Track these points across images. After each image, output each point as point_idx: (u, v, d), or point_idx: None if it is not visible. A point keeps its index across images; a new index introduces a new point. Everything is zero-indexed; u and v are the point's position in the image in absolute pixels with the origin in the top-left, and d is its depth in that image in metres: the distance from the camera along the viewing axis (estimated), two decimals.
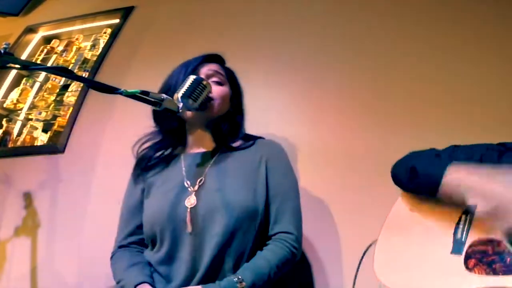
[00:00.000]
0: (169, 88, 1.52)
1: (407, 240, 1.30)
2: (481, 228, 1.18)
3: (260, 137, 1.67)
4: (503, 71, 1.82)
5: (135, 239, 1.56)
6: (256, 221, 1.45)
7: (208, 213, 1.42)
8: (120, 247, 1.56)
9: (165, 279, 1.44)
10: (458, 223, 1.23)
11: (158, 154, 1.63)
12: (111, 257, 1.56)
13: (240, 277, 1.34)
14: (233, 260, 1.41)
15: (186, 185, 1.49)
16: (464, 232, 1.21)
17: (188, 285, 1.38)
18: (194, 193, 1.46)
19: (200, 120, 1.57)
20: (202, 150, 1.60)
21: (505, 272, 1.09)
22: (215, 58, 1.66)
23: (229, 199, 1.43)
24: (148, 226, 1.50)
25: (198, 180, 1.49)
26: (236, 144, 1.59)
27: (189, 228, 1.41)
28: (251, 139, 1.63)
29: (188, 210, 1.43)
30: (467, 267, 1.15)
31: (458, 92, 1.86)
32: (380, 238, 1.36)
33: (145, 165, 1.60)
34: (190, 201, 1.44)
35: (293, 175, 1.59)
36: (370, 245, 1.37)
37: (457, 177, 1.22)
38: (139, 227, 1.55)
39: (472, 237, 1.19)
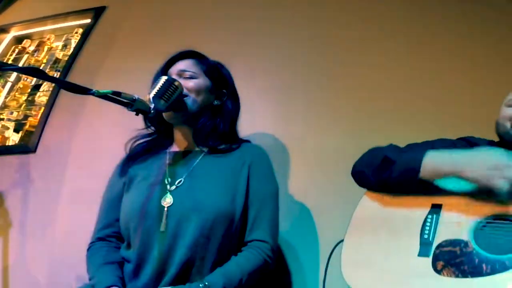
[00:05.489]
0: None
1: (374, 242, 1.28)
2: (449, 228, 1.18)
3: (246, 141, 1.66)
4: (469, 71, 1.87)
5: (113, 231, 1.55)
6: (232, 226, 1.45)
7: (183, 214, 1.42)
8: (98, 239, 1.55)
9: (134, 276, 1.44)
10: (424, 223, 1.22)
11: (146, 148, 1.62)
12: (88, 248, 1.55)
13: (207, 283, 1.34)
14: (205, 263, 1.41)
15: (166, 182, 1.50)
16: (431, 233, 1.20)
17: (156, 284, 1.38)
18: (170, 192, 1.47)
19: (179, 120, 1.56)
20: (187, 148, 1.60)
21: (474, 274, 1.07)
22: (188, 55, 1.63)
23: (206, 202, 1.43)
24: (123, 222, 1.50)
25: (178, 181, 1.49)
26: (220, 147, 1.58)
27: (162, 227, 1.41)
28: (237, 142, 1.62)
29: (166, 209, 1.43)
30: (435, 269, 1.13)
31: (433, 93, 1.89)
32: (346, 239, 1.34)
33: (132, 158, 1.60)
34: (166, 200, 1.45)
35: (274, 182, 1.59)
36: (336, 245, 1.36)
37: (440, 155, 1.22)
38: (118, 220, 1.54)
39: (440, 237, 1.18)
